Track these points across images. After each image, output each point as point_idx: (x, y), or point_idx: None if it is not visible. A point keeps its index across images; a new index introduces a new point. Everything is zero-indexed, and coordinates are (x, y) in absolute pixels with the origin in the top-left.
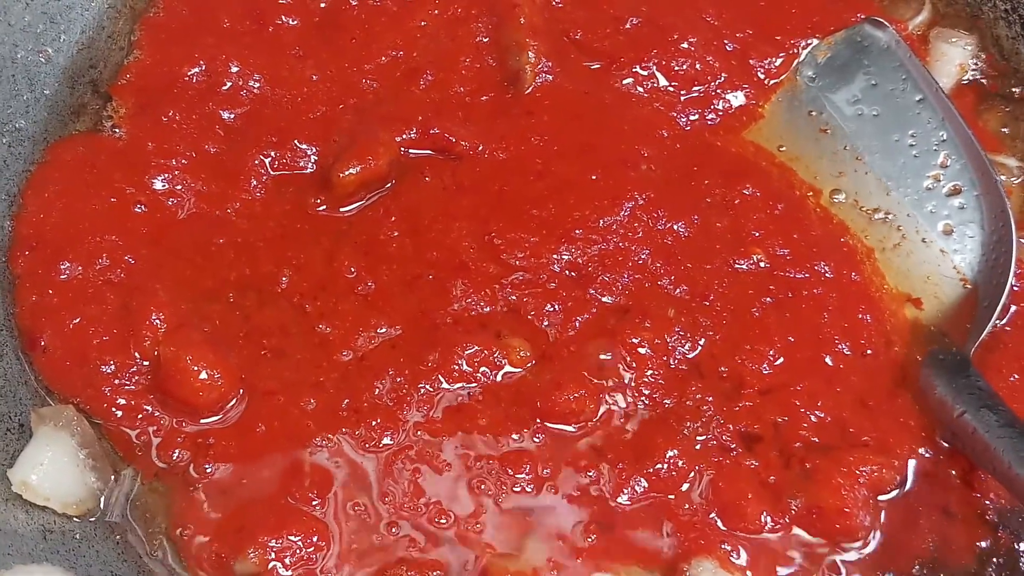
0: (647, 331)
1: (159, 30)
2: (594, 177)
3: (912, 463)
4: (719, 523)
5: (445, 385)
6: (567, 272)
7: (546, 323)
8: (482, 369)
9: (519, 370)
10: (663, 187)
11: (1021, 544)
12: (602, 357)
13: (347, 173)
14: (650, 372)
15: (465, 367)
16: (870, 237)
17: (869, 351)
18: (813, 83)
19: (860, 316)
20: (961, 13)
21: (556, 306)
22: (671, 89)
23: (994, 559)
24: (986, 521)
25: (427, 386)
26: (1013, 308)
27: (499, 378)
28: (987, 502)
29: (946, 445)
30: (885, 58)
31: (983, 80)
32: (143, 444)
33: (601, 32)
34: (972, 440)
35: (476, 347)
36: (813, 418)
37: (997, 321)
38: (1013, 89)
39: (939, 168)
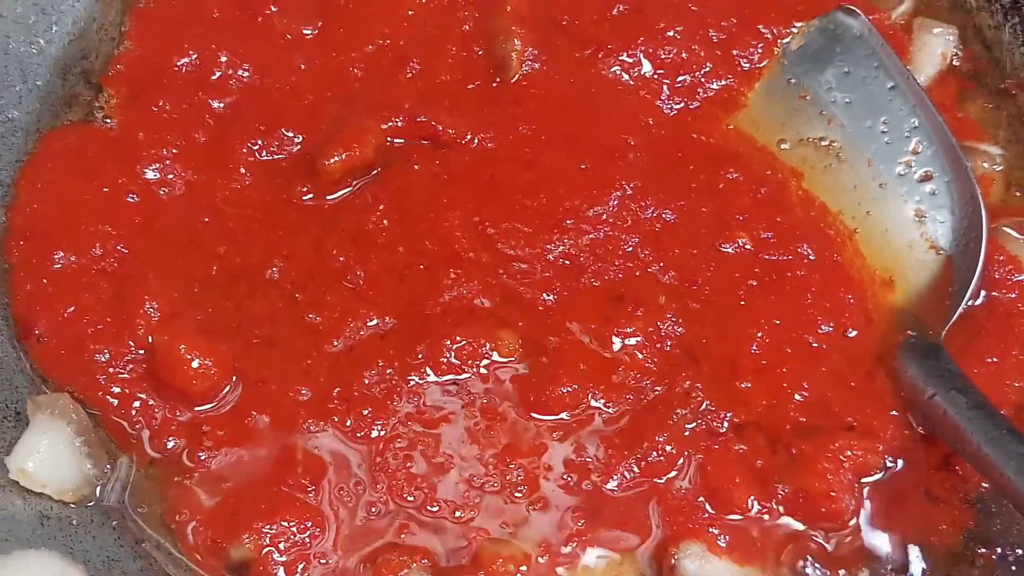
0: (640, 319)
1: (150, 21)
2: (583, 167)
3: (895, 447)
4: (707, 507)
5: (434, 377)
6: (562, 261)
7: (541, 312)
8: (471, 361)
9: (509, 361)
10: (650, 175)
11: (1004, 526)
12: (596, 347)
13: (332, 161)
14: (642, 358)
15: (454, 359)
16: (844, 214)
17: (851, 331)
18: (789, 71)
19: (842, 296)
20: (943, 2)
21: (551, 296)
22: (656, 77)
23: (979, 541)
24: (970, 504)
25: (416, 378)
26: (985, 294)
27: (489, 370)
28: (973, 485)
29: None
30: (858, 46)
31: (966, 69)
32: (138, 432)
33: (588, 19)
34: (943, 421)
35: (465, 340)
36: (799, 398)
37: (971, 302)
38: (995, 79)
39: (911, 154)
